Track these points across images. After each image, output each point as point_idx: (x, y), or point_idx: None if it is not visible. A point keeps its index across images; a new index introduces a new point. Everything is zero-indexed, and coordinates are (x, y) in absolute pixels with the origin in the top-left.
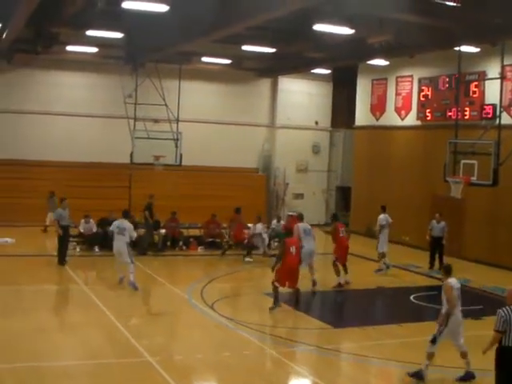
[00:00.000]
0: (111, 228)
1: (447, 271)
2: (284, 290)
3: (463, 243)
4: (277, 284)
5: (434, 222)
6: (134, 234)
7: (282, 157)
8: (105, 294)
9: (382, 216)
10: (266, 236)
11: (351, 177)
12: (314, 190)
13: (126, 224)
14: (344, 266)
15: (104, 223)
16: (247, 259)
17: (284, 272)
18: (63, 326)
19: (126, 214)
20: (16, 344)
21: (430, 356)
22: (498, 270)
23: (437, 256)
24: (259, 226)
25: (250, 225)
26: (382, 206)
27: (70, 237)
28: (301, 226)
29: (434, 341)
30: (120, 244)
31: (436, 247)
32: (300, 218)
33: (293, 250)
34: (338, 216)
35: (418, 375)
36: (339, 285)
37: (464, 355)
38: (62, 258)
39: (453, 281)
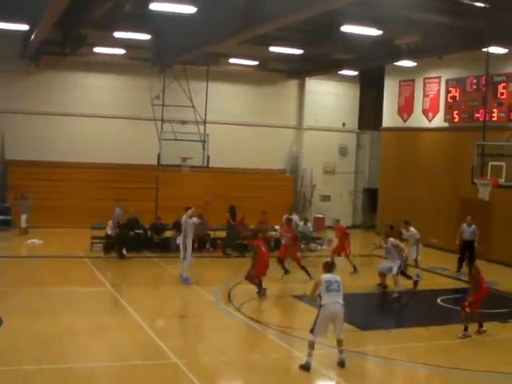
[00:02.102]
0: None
1: (325, 268)
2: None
3: (491, 246)
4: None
5: (465, 225)
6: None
7: (309, 158)
8: (131, 295)
9: (413, 230)
10: None
11: (378, 179)
12: (340, 192)
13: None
14: None
15: (130, 225)
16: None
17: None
18: (90, 327)
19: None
20: (43, 345)
21: (311, 345)
22: None
23: (466, 259)
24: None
25: (277, 227)
26: (406, 220)
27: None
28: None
29: (312, 330)
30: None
31: (466, 250)
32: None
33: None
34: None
35: (305, 367)
36: None
37: (339, 343)
38: (121, 253)
39: (325, 276)
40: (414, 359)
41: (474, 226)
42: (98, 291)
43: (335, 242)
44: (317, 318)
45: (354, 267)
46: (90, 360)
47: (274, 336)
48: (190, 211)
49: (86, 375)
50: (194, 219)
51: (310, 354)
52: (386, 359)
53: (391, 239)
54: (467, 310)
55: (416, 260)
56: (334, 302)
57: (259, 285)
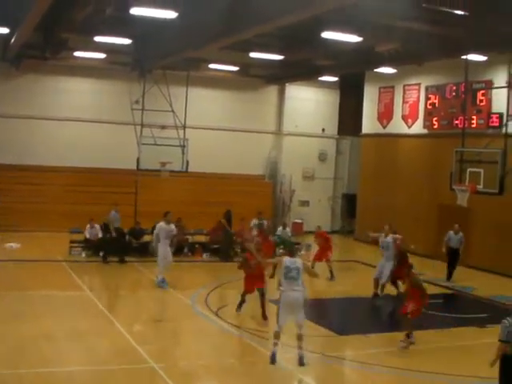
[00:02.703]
0: (156, 231)
1: (288, 251)
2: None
3: (469, 252)
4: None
5: (452, 232)
6: None
7: (289, 164)
8: (109, 300)
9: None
10: None
11: (357, 184)
12: (319, 198)
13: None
14: None
15: (108, 229)
16: None
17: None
18: (68, 331)
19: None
20: (22, 350)
21: (275, 335)
22: (503, 279)
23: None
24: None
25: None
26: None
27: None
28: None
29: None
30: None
31: (453, 258)
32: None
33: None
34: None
35: (270, 357)
36: None
37: (299, 337)
38: (105, 257)
39: (286, 260)
40: (392, 364)
41: (460, 234)
42: (76, 295)
43: (315, 249)
44: (278, 307)
45: (331, 273)
46: (68, 364)
47: (250, 340)
48: (168, 216)
49: (64, 379)
50: (172, 226)
51: (275, 344)
52: (363, 364)
53: (396, 235)
54: (409, 316)
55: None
56: (293, 290)
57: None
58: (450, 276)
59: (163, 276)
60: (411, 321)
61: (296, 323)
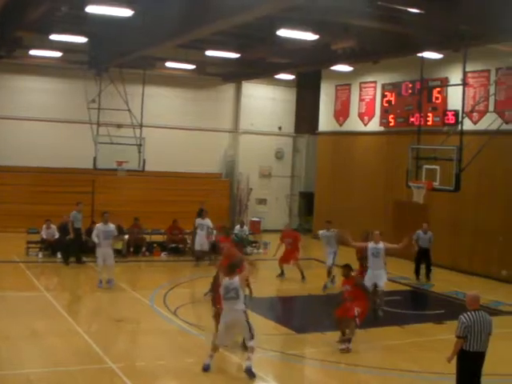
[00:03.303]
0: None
1: (225, 270)
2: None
3: None
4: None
5: (421, 232)
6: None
7: (246, 162)
8: (67, 300)
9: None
10: None
11: (314, 182)
12: (277, 196)
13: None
14: None
15: (65, 229)
16: None
17: None
18: (24, 333)
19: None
20: None
21: (213, 347)
22: (459, 275)
23: (423, 267)
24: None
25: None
26: (328, 220)
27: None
28: None
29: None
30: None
31: (422, 258)
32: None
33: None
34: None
35: (203, 366)
36: None
37: (248, 349)
38: (67, 258)
39: (224, 282)
40: (351, 361)
41: (429, 233)
42: (32, 296)
43: (273, 247)
44: (219, 325)
45: (302, 274)
46: (24, 366)
47: (209, 339)
48: (105, 216)
49: (22, 382)
50: (111, 227)
51: (210, 356)
52: (322, 362)
53: (386, 244)
54: (357, 320)
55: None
56: (233, 310)
57: None
58: (418, 276)
59: (103, 277)
60: (356, 324)
61: (244, 337)
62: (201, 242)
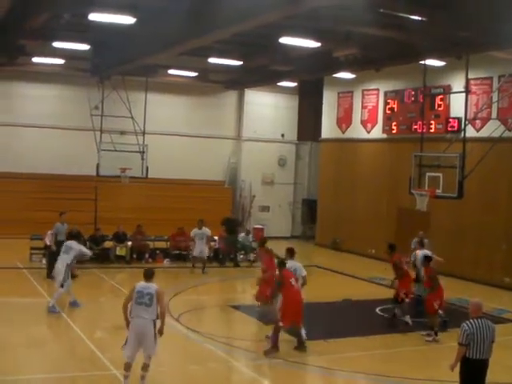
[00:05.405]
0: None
1: (143, 274)
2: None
3: None
4: (281, 324)
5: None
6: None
7: (248, 169)
8: (70, 306)
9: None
10: None
11: (317, 189)
12: (280, 203)
13: (74, 246)
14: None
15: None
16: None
17: (289, 309)
18: (27, 339)
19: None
20: None
21: (125, 367)
22: (462, 282)
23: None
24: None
25: (215, 237)
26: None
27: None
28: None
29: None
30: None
31: None
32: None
33: (293, 281)
34: (395, 247)
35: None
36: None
37: (143, 367)
38: (51, 271)
39: (139, 284)
40: (354, 368)
41: (426, 241)
42: (36, 302)
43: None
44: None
45: None
46: (27, 372)
47: (211, 346)
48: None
49: None
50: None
51: (125, 377)
52: (325, 369)
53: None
54: (440, 312)
55: None
56: (140, 317)
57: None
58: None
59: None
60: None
61: (144, 353)
62: (200, 249)
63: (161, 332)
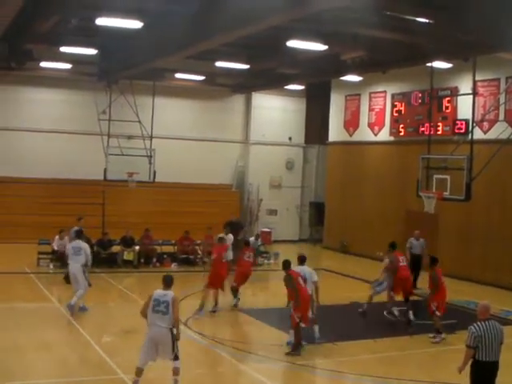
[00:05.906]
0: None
1: (162, 281)
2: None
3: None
4: (302, 324)
5: (413, 239)
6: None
7: (256, 173)
8: (78, 311)
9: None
10: None
11: (325, 192)
12: (287, 206)
13: (82, 244)
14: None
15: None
16: None
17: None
18: (36, 343)
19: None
20: None
21: (137, 372)
22: (470, 285)
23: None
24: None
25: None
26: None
27: None
28: None
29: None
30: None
31: (416, 265)
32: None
33: (300, 281)
34: (395, 245)
35: None
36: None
37: (174, 371)
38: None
39: (156, 292)
40: (362, 371)
41: (421, 240)
42: (44, 307)
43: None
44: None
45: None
46: (36, 377)
47: (219, 350)
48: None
49: None
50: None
51: (134, 382)
52: (333, 372)
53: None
54: (437, 313)
55: None
56: (156, 326)
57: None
58: (414, 280)
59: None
60: (439, 316)
61: (161, 358)
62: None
63: (177, 338)
